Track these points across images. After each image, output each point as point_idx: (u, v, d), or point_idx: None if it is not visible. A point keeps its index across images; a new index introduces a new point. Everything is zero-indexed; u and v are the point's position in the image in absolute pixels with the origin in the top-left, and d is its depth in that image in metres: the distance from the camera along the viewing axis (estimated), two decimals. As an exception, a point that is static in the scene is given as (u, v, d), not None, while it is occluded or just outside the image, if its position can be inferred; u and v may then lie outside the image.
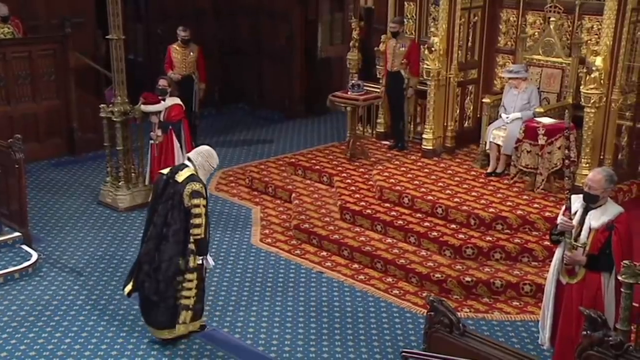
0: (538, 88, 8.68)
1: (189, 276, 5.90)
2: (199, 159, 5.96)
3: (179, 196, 5.80)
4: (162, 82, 8.60)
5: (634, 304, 4.90)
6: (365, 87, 9.58)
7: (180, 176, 5.85)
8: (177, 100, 8.56)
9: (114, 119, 8.55)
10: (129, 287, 6.08)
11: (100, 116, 8.70)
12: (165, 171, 6.06)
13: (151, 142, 8.59)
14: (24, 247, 7.65)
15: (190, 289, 5.93)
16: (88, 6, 11.45)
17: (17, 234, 7.71)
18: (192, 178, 5.83)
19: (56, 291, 6.98)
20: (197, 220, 5.78)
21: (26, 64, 10.27)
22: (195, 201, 5.76)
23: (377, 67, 10.18)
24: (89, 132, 10.59)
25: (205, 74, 10.73)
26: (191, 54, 10.50)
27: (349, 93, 9.53)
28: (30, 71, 10.31)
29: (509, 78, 8.57)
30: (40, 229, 8.33)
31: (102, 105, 8.74)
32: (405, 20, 9.82)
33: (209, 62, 12.80)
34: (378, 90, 9.89)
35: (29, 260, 7.40)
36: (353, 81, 9.67)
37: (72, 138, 10.70)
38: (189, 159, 6.01)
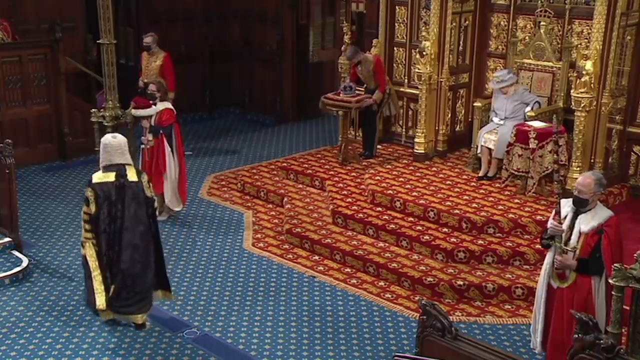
0: (529, 92, 8.71)
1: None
2: (123, 157, 6.13)
3: (142, 192, 6.10)
4: (152, 87, 8.59)
5: (624, 306, 4.92)
6: (357, 90, 9.55)
7: (131, 175, 6.10)
8: (168, 105, 8.54)
9: (105, 124, 8.49)
10: (103, 300, 6.10)
11: (91, 121, 8.65)
12: (109, 180, 6.04)
13: (142, 146, 8.57)
14: (15, 252, 7.60)
15: None
16: (78, 10, 11.43)
17: (7, 239, 7.67)
18: (140, 171, 6.36)
19: (47, 297, 6.95)
20: (155, 204, 6.34)
21: (16, 69, 10.24)
22: (152, 188, 6.30)
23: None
24: (80, 136, 10.56)
25: (173, 82, 10.16)
26: (156, 61, 10.27)
27: (340, 95, 9.52)
28: (20, 76, 10.28)
29: (500, 89, 8.58)
30: (31, 234, 8.30)
31: (93, 109, 8.70)
32: (357, 48, 9.62)
33: (200, 66, 12.88)
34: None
35: (19, 265, 7.36)
36: (345, 83, 9.66)
37: (63, 143, 10.67)
38: (122, 164, 6.11)
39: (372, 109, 9.46)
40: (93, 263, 6.08)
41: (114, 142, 6.10)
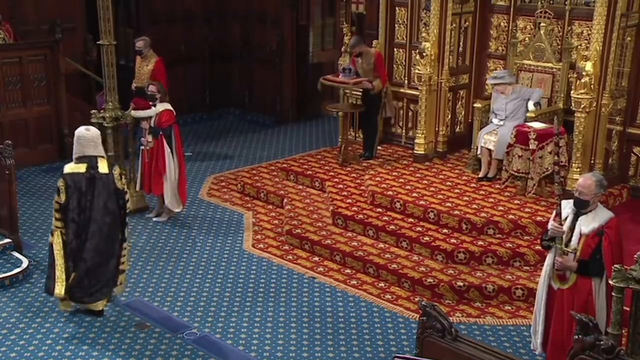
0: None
1: (125, 245, 6.47)
2: (96, 149, 6.27)
3: (112, 183, 6.27)
4: (151, 88, 8.60)
5: (624, 308, 4.92)
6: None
7: (102, 167, 6.26)
8: (168, 106, 8.53)
9: (105, 125, 8.52)
10: (62, 288, 6.29)
11: (91, 122, 8.66)
12: (80, 171, 6.20)
13: (142, 147, 8.57)
14: (15, 253, 7.60)
15: (125, 255, 6.49)
16: (78, 11, 11.43)
17: (7, 240, 7.67)
18: (112, 164, 6.53)
19: (47, 298, 6.92)
20: (127, 197, 6.43)
21: (17, 70, 10.24)
22: (124, 180, 6.41)
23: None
24: (80, 137, 10.53)
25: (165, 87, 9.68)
26: (147, 65, 10.18)
27: (340, 77, 9.48)
28: (20, 76, 10.28)
29: (495, 84, 8.61)
30: (31, 235, 8.30)
31: (93, 110, 8.72)
32: (361, 39, 9.63)
33: (199, 66, 12.86)
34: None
35: (19, 266, 7.37)
36: (344, 65, 9.62)
37: (63, 143, 10.65)
38: (94, 156, 6.25)
39: (370, 93, 9.40)
40: (58, 252, 6.27)
41: (87, 135, 6.27)
